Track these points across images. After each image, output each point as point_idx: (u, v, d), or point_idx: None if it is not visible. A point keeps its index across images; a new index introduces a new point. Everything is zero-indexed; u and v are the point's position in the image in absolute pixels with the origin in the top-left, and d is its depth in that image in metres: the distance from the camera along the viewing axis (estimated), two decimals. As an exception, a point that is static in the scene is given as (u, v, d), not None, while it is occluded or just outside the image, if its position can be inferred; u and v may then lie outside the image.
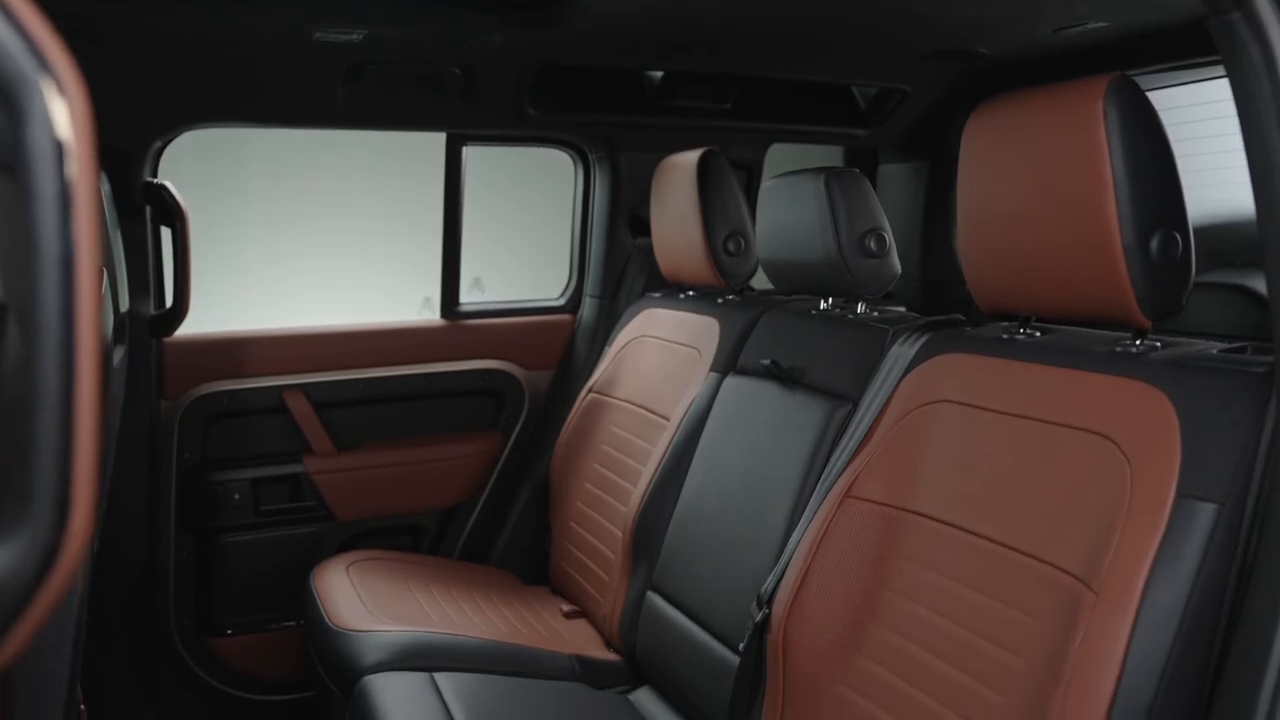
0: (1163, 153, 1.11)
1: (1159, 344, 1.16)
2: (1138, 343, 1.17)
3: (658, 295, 2.33)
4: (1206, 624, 0.95)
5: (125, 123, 1.95)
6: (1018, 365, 1.25)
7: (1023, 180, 1.19)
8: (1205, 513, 0.96)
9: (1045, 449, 1.15)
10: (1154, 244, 1.10)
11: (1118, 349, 1.17)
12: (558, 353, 2.52)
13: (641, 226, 2.47)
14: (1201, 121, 2.21)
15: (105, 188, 1.75)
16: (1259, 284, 2.12)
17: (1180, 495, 0.98)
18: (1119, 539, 1.01)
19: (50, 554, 0.44)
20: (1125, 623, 0.97)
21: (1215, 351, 1.11)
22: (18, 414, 0.44)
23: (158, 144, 2.03)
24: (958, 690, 1.15)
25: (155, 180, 2.02)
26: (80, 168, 0.44)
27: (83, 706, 1.51)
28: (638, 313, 2.31)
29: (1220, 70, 2.08)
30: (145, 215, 2.02)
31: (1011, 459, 1.19)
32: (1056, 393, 1.18)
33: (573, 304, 2.56)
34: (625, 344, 2.27)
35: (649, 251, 2.41)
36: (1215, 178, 2.20)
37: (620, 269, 2.50)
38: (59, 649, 0.82)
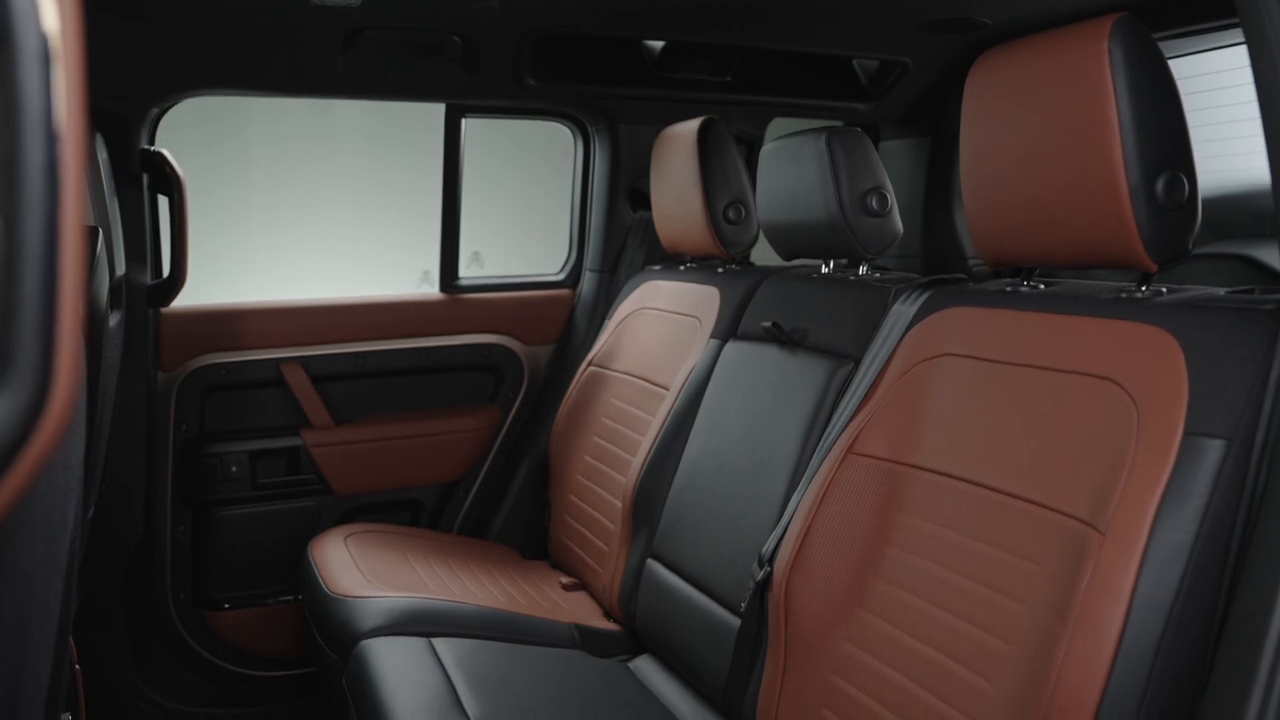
0: (1169, 94, 1.10)
1: (1164, 290, 1.15)
2: (1143, 289, 1.15)
3: (658, 268, 2.31)
4: (1215, 560, 0.94)
5: (122, 89, 1.94)
6: (1021, 315, 1.24)
7: (1027, 124, 1.18)
8: (1214, 449, 0.95)
9: (1049, 396, 1.14)
10: (1160, 185, 1.08)
11: (1123, 295, 1.16)
12: (557, 327, 2.51)
13: (641, 200, 2.45)
14: (1207, 92, 2.20)
15: (102, 154, 1.74)
16: (1263, 254, 2.11)
17: (1188, 433, 0.97)
18: (1126, 479, 1.00)
19: (32, 417, 0.43)
20: (1133, 561, 0.96)
21: (1222, 293, 1.10)
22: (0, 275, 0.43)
23: (154, 111, 2.01)
24: (963, 640, 1.13)
25: (152, 148, 2.00)
26: (65, 30, 0.43)
27: (77, 666, 1.50)
28: (637, 285, 2.29)
29: (1224, 40, 2.07)
30: (142, 183, 2.01)
31: (1015, 408, 1.18)
32: (1060, 340, 1.16)
33: (572, 278, 2.55)
34: (625, 317, 2.25)
35: (649, 225, 2.40)
36: (1221, 149, 2.19)
37: (620, 243, 2.49)
38: (50, 583, 0.80)
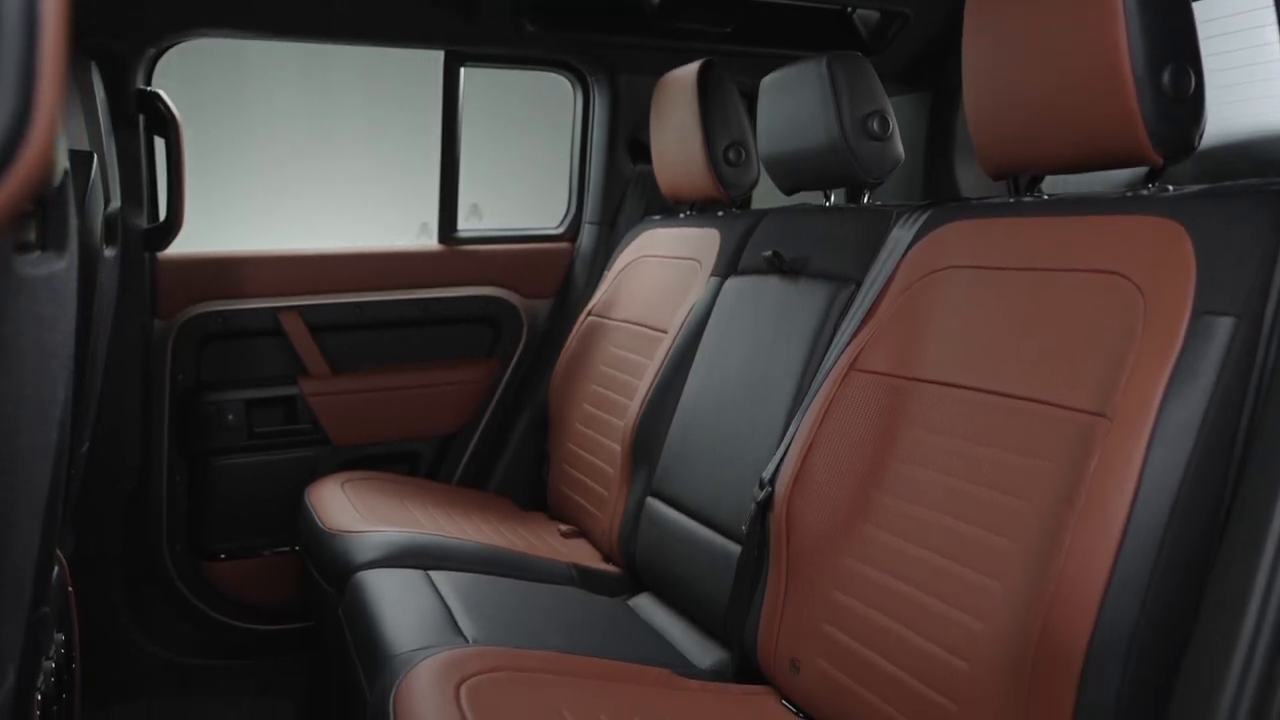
0: None
1: (1170, 188, 1.14)
2: (1149, 186, 1.14)
3: (657, 218, 2.30)
4: (1224, 441, 0.92)
5: (119, 26, 1.92)
6: (1024, 221, 1.23)
7: (1030, 24, 1.17)
8: (1222, 327, 0.94)
9: (1054, 297, 1.13)
10: (1166, 77, 1.07)
11: (1128, 194, 1.14)
12: (556, 280, 2.49)
13: (640, 153, 2.44)
14: (1215, 38, 2.18)
15: (100, 93, 1.72)
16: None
17: (1196, 313, 0.96)
18: (1133, 363, 0.98)
19: (12, 143, 0.42)
20: (1140, 443, 0.94)
21: (1228, 184, 1.08)
22: None
23: (151, 51, 2.00)
24: (967, 543, 1.12)
25: (149, 89, 1.99)
26: None
27: (71, 588, 1.48)
28: (637, 235, 2.28)
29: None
30: (139, 125, 2.00)
31: (1020, 312, 1.17)
32: (1065, 241, 1.15)
33: (571, 231, 2.53)
34: (624, 266, 2.24)
35: (648, 177, 2.38)
36: (1225, 95, 2.18)
37: (619, 195, 2.47)
38: (37, 437, 0.78)
